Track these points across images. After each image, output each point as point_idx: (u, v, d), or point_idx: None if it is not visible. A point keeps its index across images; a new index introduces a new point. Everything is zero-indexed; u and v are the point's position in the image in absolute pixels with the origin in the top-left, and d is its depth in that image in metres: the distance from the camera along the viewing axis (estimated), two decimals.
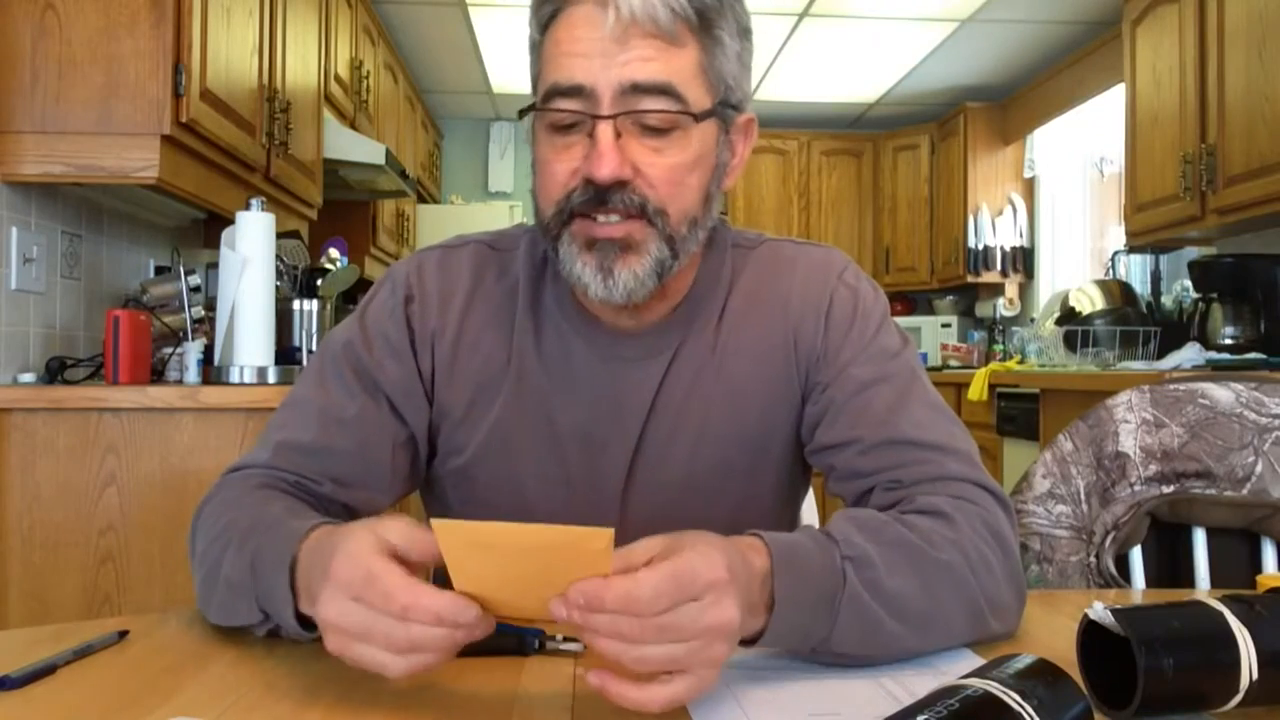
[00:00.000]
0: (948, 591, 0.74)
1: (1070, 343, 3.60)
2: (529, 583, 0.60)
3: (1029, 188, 5.32)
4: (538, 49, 0.87)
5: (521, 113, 0.88)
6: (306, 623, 0.68)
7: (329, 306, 2.51)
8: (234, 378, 2.02)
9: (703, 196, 0.87)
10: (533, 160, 0.89)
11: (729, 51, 0.86)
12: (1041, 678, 0.53)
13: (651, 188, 0.83)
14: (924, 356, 5.19)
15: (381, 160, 3.32)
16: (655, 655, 0.58)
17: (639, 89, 0.80)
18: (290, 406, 0.94)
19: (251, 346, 2.04)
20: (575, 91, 0.81)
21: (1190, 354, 2.89)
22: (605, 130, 0.81)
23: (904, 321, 5.51)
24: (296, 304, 2.44)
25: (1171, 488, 1.15)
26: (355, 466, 0.91)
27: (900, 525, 0.76)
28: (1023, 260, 5.27)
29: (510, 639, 0.73)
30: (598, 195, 0.82)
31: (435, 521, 0.59)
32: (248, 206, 2.07)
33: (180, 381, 2.06)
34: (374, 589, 0.60)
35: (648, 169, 0.83)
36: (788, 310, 0.95)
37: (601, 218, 0.83)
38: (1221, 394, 1.16)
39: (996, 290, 5.39)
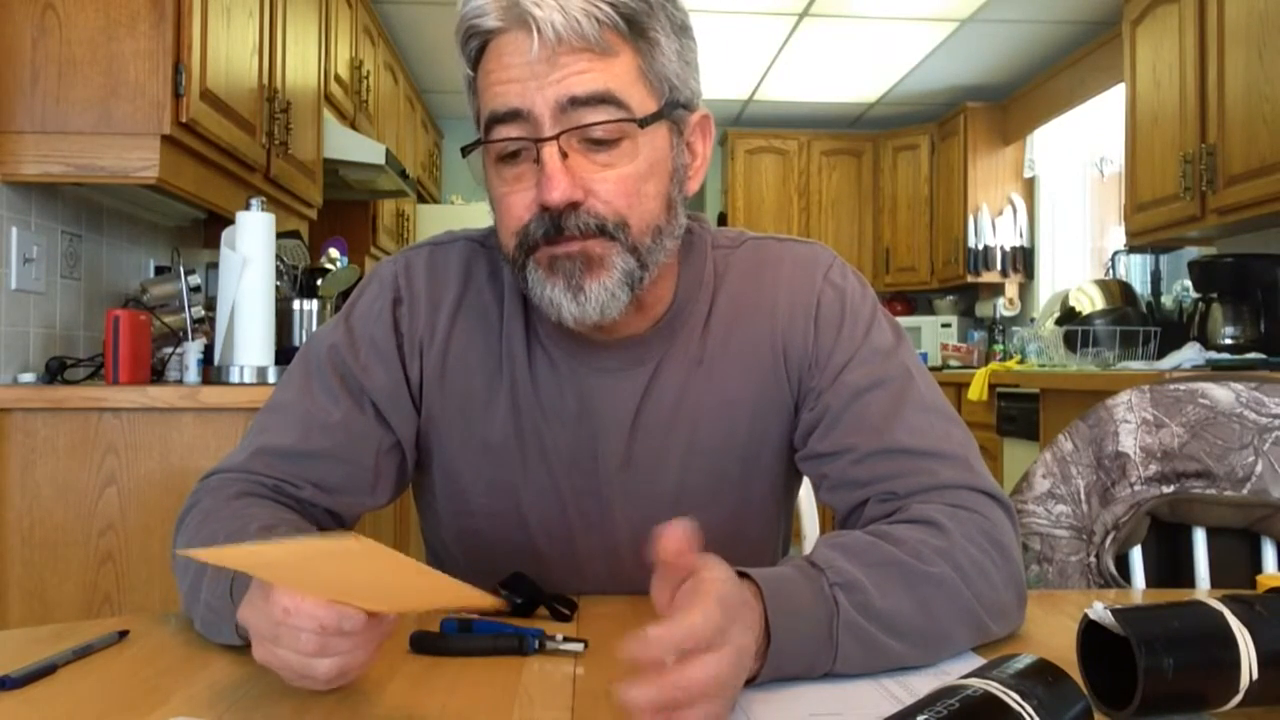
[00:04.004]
0: (942, 604, 0.73)
1: (1070, 343, 3.60)
2: (360, 584, 0.61)
3: (1029, 188, 5.32)
4: (472, 85, 0.85)
5: (464, 151, 0.85)
6: None
7: (329, 306, 2.51)
8: (234, 378, 2.02)
9: (664, 204, 0.85)
10: (489, 197, 0.87)
11: (667, 51, 0.83)
12: (1041, 678, 0.53)
13: (606, 204, 0.81)
14: (924, 356, 5.19)
15: (381, 160, 3.32)
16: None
17: (578, 102, 0.78)
18: (273, 411, 0.93)
19: (251, 346, 2.04)
20: (514, 116, 0.80)
21: (1190, 354, 2.89)
22: (550, 153, 0.79)
23: (904, 321, 5.51)
24: (296, 304, 2.44)
25: (1171, 488, 1.15)
26: (338, 472, 0.90)
27: (886, 543, 0.75)
28: (1023, 260, 5.27)
29: (510, 639, 0.74)
30: (554, 223, 0.80)
31: (190, 552, 0.60)
32: (248, 206, 2.07)
33: (180, 381, 2.06)
34: (265, 591, 0.62)
35: (599, 186, 0.81)
36: (775, 314, 0.93)
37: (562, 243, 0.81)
38: (1221, 394, 1.16)
39: (996, 290, 5.39)
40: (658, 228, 0.84)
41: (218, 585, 0.73)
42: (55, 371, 2.04)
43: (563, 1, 0.77)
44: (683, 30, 0.85)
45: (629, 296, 0.84)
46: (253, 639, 0.64)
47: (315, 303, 2.47)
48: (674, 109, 0.85)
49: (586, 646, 0.74)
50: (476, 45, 0.83)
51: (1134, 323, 3.57)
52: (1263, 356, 2.90)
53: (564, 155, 0.79)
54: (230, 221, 2.09)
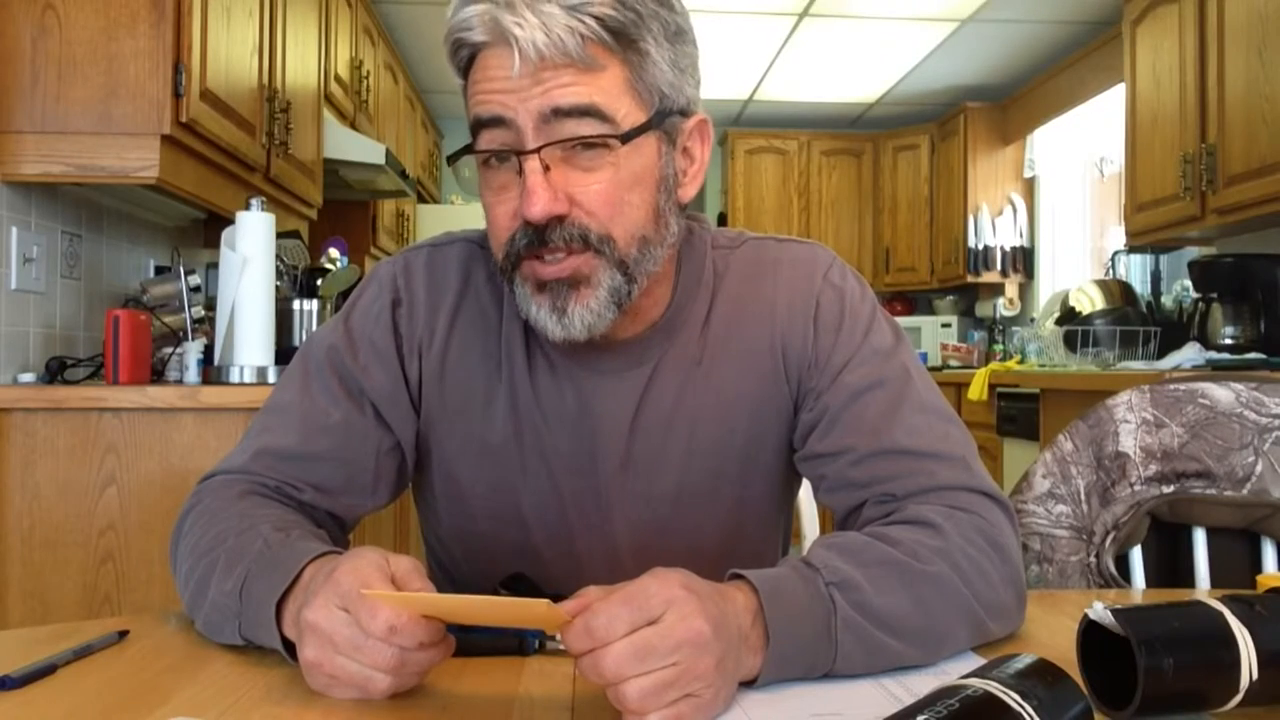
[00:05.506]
0: (940, 603, 0.73)
1: (1070, 343, 3.60)
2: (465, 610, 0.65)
3: (1029, 188, 5.32)
4: (465, 93, 0.85)
5: (450, 160, 0.85)
6: (294, 649, 0.67)
7: (329, 306, 2.52)
8: (234, 378, 2.02)
9: (651, 213, 0.84)
10: (482, 203, 0.87)
11: (658, 61, 0.81)
12: (1041, 678, 0.53)
13: (591, 215, 0.80)
14: (924, 356, 5.19)
15: (381, 160, 3.32)
16: (649, 685, 0.58)
17: (560, 113, 0.77)
18: (272, 411, 0.93)
19: (251, 346, 2.04)
20: (497, 123, 0.79)
21: (1190, 354, 2.90)
22: (532, 166, 0.78)
23: (904, 321, 5.52)
24: (296, 304, 2.44)
25: (1171, 488, 1.15)
26: (338, 474, 0.90)
27: (882, 544, 0.75)
28: (1023, 260, 5.27)
29: (510, 639, 0.73)
30: (538, 235, 0.80)
31: (369, 593, 0.61)
32: (248, 206, 2.07)
33: (180, 381, 2.06)
34: (364, 603, 0.61)
35: (582, 196, 0.80)
36: (774, 315, 0.93)
37: (549, 256, 0.81)
38: (1221, 394, 1.16)
39: (996, 290, 5.39)
40: (644, 238, 0.83)
41: (227, 584, 0.73)
42: (55, 371, 2.04)
43: (545, 19, 0.76)
44: (678, 36, 0.84)
45: (615, 313, 0.84)
46: (311, 643, 0.63)
47: (315, 303, 2.47)
48: (665, 118, 0.83)
49: None
50: (465, 55, 0.83)
51: (1134, 323, 3.57)
52: (1263, 356, 2.90)
53: (546, 168, 0.79)
54: (230, 221, 2.09)
